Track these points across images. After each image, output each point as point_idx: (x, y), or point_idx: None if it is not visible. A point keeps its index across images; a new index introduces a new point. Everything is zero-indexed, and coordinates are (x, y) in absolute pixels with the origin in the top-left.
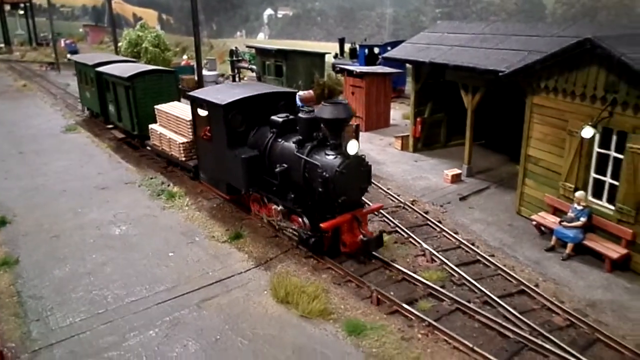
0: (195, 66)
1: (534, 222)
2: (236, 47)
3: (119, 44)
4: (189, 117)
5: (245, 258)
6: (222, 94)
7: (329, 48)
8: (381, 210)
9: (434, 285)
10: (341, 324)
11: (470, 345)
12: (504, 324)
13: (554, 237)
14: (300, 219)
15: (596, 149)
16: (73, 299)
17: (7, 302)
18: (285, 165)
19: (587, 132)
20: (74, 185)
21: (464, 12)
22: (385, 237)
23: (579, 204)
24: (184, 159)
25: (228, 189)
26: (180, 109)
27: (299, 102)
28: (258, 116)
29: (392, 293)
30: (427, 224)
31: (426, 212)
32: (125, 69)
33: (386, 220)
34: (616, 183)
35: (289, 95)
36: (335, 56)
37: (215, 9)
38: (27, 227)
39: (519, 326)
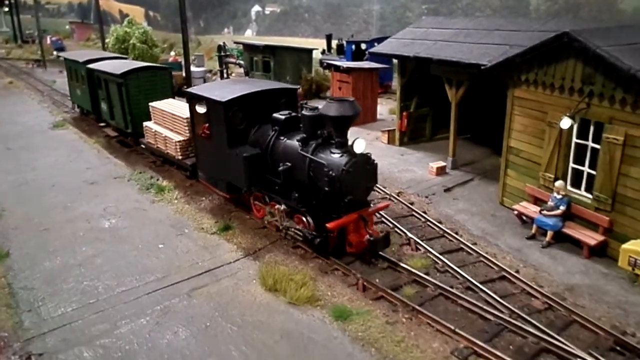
0: (182, 62)
1: (516, 212)
2: (224, 43)
3: (107, 41)
4: (186, 114)
5: (234, 249)
6: (222, 90)
7: (317, 44)
8: None
9: (418, 273)
10: (328, 310)
11: (452, 328)
12: (485, 307)
13: (534, 226)
14: (304, 219)
15: (574, 139)
16: (64, 289)
17: None
18: (289, 164)
19: (565, 122)
20: (63, 180)
21: (450, 9)
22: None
23: (558, 193)
24: (180, 157)
25: (228, 188)
26: (176, 106)
27: None
28: (259, 113)
29: (377, 280)
30: (413, 215)
31: (411, 203)
32: (117, 66)
33: None
34: (593, 172)
35: (290, 92)
36: (323, 52)
37: (203, 5)
38: (17, 221)
39: (500, 310)
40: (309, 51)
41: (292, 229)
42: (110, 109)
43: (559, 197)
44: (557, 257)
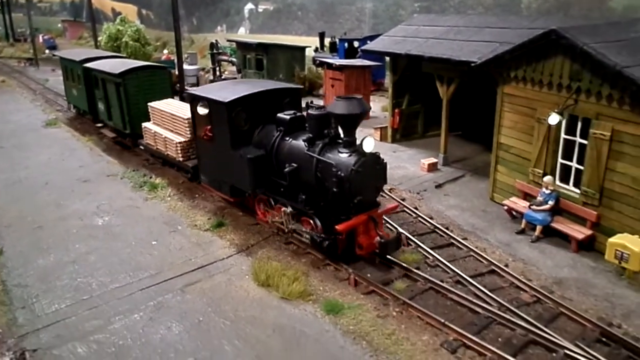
0: (175, 60)
1: (506, 207)
2: (216, 40)
3: (99, 39)
4: (187, 115)
5: (227, 245)
6: (224, 91)
7: (310, 42)
8: None
9: (409, 267)
10: (320, 304)
11: (442, 321)
12: (474, 301)
13: (524, 221)
14: (312, 221)
15: (563, 135)
16: (58, 286)
17: None
18: (295, 165)
19: (554, 118)
20: (56, 178)
21: (442, 6)
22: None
23: (547, 188)
24: (181, 159)
25: (232, 191)
26: (176, 107)
27: None
28: (262, 114)
29: (369, 275)
30: (404, 210)
31: (403, 199)
32: (115, 65)
33: None
34: (581, 168)
35: (294, 92)
36: (316, 50)
37: (196, 3)
38: (10, 219)
39: (489, 303)
40: (302, 49)
41: (299, 232)
42: (108, 109)
43: (547, 192)
44: (545, 252)
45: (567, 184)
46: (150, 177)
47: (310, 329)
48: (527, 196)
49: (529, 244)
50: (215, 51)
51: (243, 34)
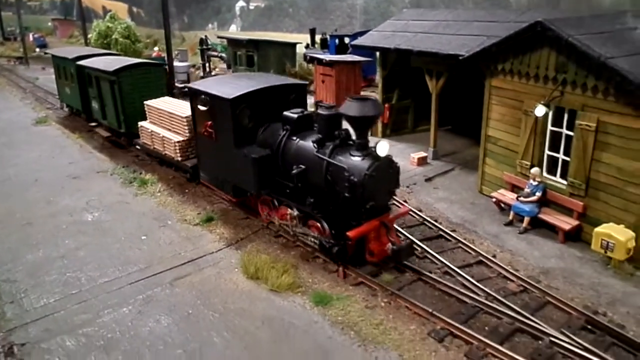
0: (166, 57)
1: (494, 199)
2: (205, 36)
3: (89, 36)
4: (185, 113)
5: (216, 239)
6: (227, 86)
7: (301, 39)
8: None
9: None
10: (309, 296)
11: (430, 310)
12: (462, 291)
13: (512, 212)
14: (319, 225)
15: (549, 127)
16: (47, 281)
17: None
18: (303, 167)
19: (540, 110)
20: (46, 175)
21: (432, 2)
22: None
23: (534, 180)
24: (180, 158)
25: (234, 190)
26: (174, 105)
27: None
28: (267, 111)
29: (357, 266)
30: (393, 204)
31: None
32: (109, 63)
33: None
34: (568, 159)
35: (300, 88)
36: (307, 46)
37: (187, 1)
38: None
39: (476, 293)
40: (293, 45)
41: (307, 236)
42: (102, 108)
43: (534, 183)
44: (533, 242)
45: (554, 175)
46: (140, 173)
47: (299, 320)
48: (515, 188)
49: (516, 235)
50: (204, 47)
51: (234, 31)
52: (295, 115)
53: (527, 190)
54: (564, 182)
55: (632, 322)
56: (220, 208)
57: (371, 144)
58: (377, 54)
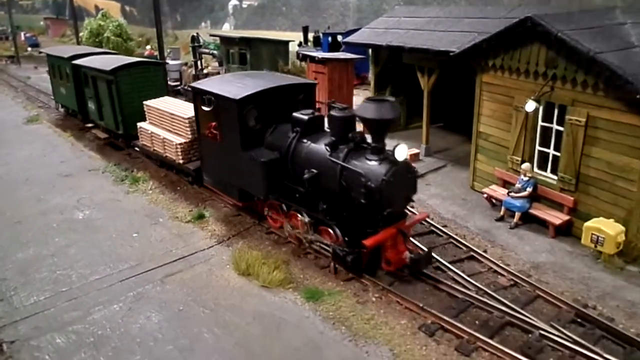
0: (158, 55)
1: (485, 195)
2: (197, 34)
3: (80, 34)
4: (187, 114)
5: (208, 236)
6: (232, 86)
7: (294, 37)
8: None
9: None
10: (300, 291)
11: (421, 305)
12: (452, 285)
13: (503, 208)
14: (332, 232)
15: (540, 122)
16: (37, 279)
17: None
18: (315, 171)
19: (530, 106)
20: (37, 173)
21: (425, 0)
22: None
23: (525, 175)
24: (182, 161)
25: (240, 194)
26: (174, 105)
27: None
28: (275, 112)
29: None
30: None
31: None
32: (106, 62)
33: None
34: (558, 154)
35: (309, 88)
36: (300, 44)
37: (180, 0)
38: None
39: (467, 287)
40: (285, 43)
41: (319, 244)
42: (99, 109)
43: (525, 179)
44: (524, 237)
45: (545, 170)
46: (132, 171)
47: (290, 315)
48: (506, 184)
49: (507, 230)
50: (196, 44)
51: (227, 29)
52: (306, 117)
53: (518, 185)
54: (555, 177)
55: (621, 315)
56: (211, 205)
57: (388, 147)
58: (370, 51)
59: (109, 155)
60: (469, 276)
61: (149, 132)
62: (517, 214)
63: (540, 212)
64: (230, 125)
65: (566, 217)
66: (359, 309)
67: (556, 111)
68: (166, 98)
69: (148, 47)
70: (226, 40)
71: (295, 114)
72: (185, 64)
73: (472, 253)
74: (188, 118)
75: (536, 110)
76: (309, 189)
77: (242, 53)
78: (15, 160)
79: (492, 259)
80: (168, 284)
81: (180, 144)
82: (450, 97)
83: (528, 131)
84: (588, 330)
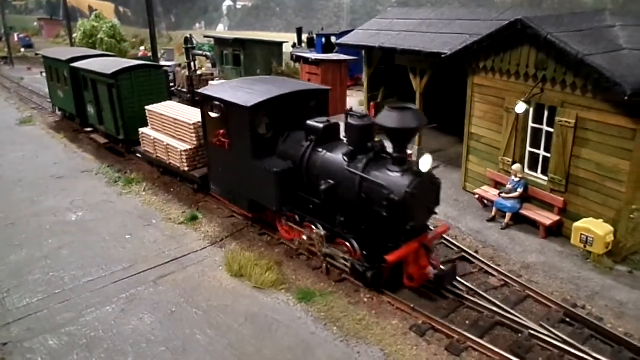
0: (151, 57)
1: (477, 196)
2: (190, 35)
3: (74, 35)
4: (192, 119)
5: (201, 237)
6: (242, 92)
7: (289, 38)
8: None
9: None
10: (292, 292)
11: (412, 306)
12: None
13: (494, 209)
14: (349, 246)
15: (530, 124)
16: (30, 281)
17: None
18: (332, 182)
19: (520, 107)
20: (30, 175)
21: (419, 2)
22: None
23: (515, 176)
24: (186, 168)
25: (250, 205)
26: (178, 110)
27: None
28: (287, 119)
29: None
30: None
31: None
32: (107, 65)
33: None
34: (548, 155)
35: (321, 94)
36: (294, 45)
37: (174, 0)
38: None
39: (458, 287)
40: (279, 44)
41: (335, 258)
42: (99, 113)
43: (516, 180)
44: (515, 238)
45: (535, 171)
46: (125, 173)
47: (282, 316)
48: (497, 185)
49: (499, 231)
50: (189, 46)
51: (222, 30)
52: (322, 125)
53: (509, 186)
54: (545, 178)
55: (610, 314)
56: (204, 207)
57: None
58: (363, 52)
59: (103, 156)
60: (460, 276)
61: (152, 138)
62: (508, 215)
63: (531, 212)
64: (240, 134)
65: (556, 218)
66: (351, 309)
67: (546, 113)
68: (169, 103)
69: (142, 48)
70: (220, 42)
71: (309, 122)
72: (179, 65)
73: (463, 254)
74: (194, 124)
75: (526, 111)
76: (325, 201)
77: (235, 54)
78: (8, 161)
79: (483, 259)
80: (161, 286)
81: (185, 150)
82: (443, 98)
83: (519, 132)
84: (577, 330)
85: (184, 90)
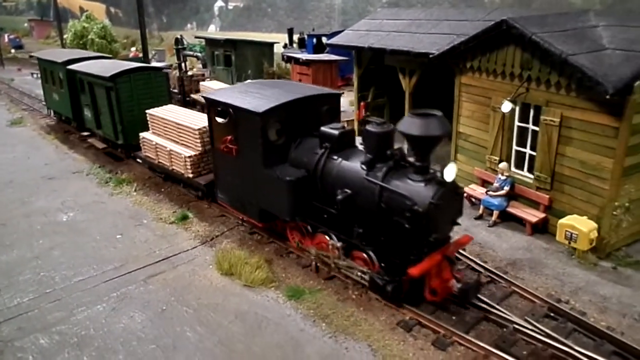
0: (142, 57)
1: (465, 194)
2: (181, 36)
3: (65, 36)
4: (197, 125)
5: (191, 237)
6: (252, 97)
7: (280, 39)
8: None
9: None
10: (282, 290)
11: (399, 302)
12: None
13: (481, 206)
14: (366, 258)
15: (517, 123)
16: (20, 281)
17: None
18: (349, 191)
19: (506, 106)
20: (21, 176)
21: (409, 2)
22: None
23: (502, 174)
24: (191, 175)
25: (260, 214)
26: (181, 114)
27: None
28: (299, 125)
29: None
30: None
31: None
32: (105, 67)
33: None
34: (534, 153)
35: (333, 98)
36: (285, 46)
37: (165, 1)
38: None
39: None
40: (270, 45)
41: (352, 270)
42: (97, 117)
43: (503, 178)
44: (502, 235)
45: (522, 169)
46: (116, 173)
47: (272, 314)
48: (485, 183)
49: (486, 228)
50: (180, 46)
51: (213, 31)
52: (337, 132)
53: (495, 184)
54: (531, 176)
55: (593, 309)
56: (195, 206)
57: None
58: (353, 52)
59: (94, 157)
60: None
61: (154, 143)
62: (495, 213)
63: (518, 210)
64: (250, 140)
65: (542, 215)
66: (340, 306)
67: (532, 112)
68: (170, 107)
69: (133, 48)
70: (211, 42)
71: (323, 128)
72: (170, 66)
73: None
74: (199, 129)
75: (512, 111)
76: (341, 211)
77: (227, 55)
78: None
79: (470, 256)
80: (151, 285)
81: (189, 157)
82: (433, 98)
83: (505, 131)
84: (560, 324)
85: (175, 90)
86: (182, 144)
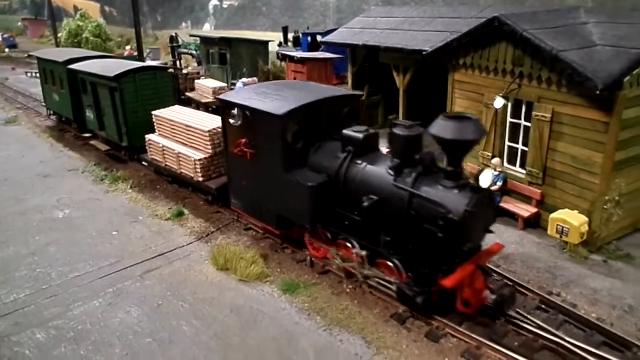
0: (137, 56)
1: None
2: (175, 34)
3: (59, 35)
4: (207, 126)
5: (187, 233)
6: (270, 98)
7: (275, 37)
8: None
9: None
10: (277, 284)
11: (393, 295)
12: None
13: None
14: (393, 267)
15: (509, 118)
16: (16, 277)
17: None
18: (375, 198)
19: (498, 102)
20: (16, 174)
21: (404, 0)
22: None
23: (495, 169)
24: (201, 179)
25: (278, 221)
26: (190, 116)
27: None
28: (319, 128)
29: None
30: None
31: None
32: (108, 67)
33: None
34: (526, 149)
35: (354, 100)
36: (280, 44)
37: (160, 0)
38: None
39: None
40: (265, 43)
41: (378, 280)
42: (99, 118)
43: (495, 173)
44: (494, 230)
45: (514, 165)
46: (112, 171)
47: (267, 307)
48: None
49: None
50: (174, 44)
51: (208, 29)
52: (361, 135)
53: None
54: (523, 171)
55: (584, 301)
56: (190, 202)
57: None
58: (348, 50)
59: (89, 155)
60: None
61: (160, 145)
62: None
63: (510, 205)
64: (268, 143)
65: (534, 210)
66: (334, 299)
67: (523, 107)
68: (177, 107)
69: (128, 47)
70: (206, 40)
71: (346, 131)
72: (165, 64)
73: None
74: (209, 131)
75: (504, 107)
76: (367, 218)
77: (222, 53)
78: None
79: None
80: (147, 280)
81: (199, 159)
82: (428, 95)
83: (497, 127)
84: (551, 316)
85: None
86: (192, 146)
